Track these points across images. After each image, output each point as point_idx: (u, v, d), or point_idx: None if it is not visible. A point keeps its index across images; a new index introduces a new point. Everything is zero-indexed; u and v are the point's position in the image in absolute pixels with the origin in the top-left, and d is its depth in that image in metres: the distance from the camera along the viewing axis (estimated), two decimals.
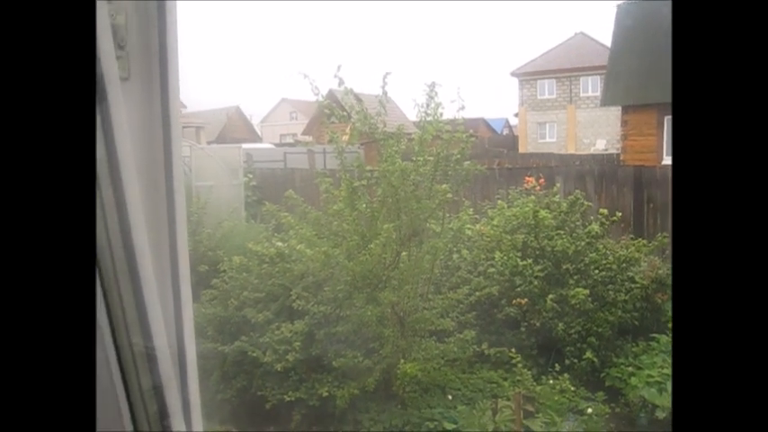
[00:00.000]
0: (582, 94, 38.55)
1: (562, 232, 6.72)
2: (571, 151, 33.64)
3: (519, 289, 6.30)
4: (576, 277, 6.42)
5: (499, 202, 7.67)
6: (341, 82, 5.41)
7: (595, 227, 6.75)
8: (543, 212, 6.83)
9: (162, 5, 0.88)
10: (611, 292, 6.39)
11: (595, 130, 37.04)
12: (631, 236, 7.77)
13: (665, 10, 14.21)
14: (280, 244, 5.87)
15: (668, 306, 6.70)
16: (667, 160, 14.50)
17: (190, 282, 1.07)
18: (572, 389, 5.44)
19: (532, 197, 7.46)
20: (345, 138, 5.86)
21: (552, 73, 38.94)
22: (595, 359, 5.93)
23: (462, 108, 5.56)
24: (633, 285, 6.55)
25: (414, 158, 5.45)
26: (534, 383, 5.33)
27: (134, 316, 0.95)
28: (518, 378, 5.38)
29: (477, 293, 5.92)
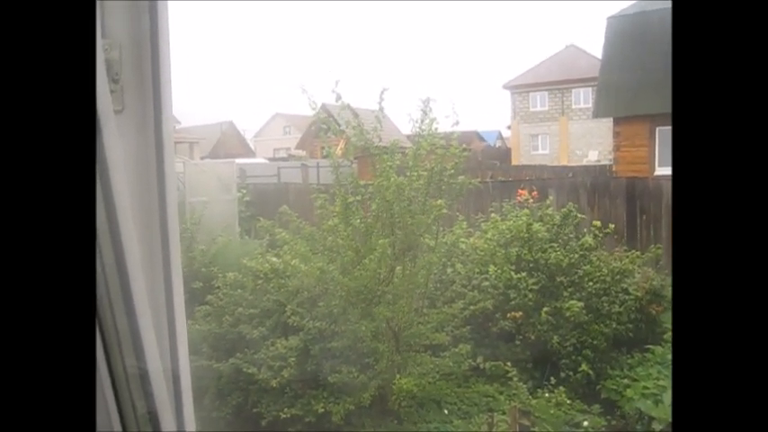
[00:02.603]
0: (574, 106, 38.75)
1: (556, 245, 6.75)
2: (564, 163, 33.73)
3: (513, 302, 6.30)
4: (570, 290, 6.43)
5: (492, 215, 7.68)
6: (338, 97, 5.45)
7: (589, 239, 6.77)
8: (537, 225, 6.86)
9: (155, 37, 0.90)
10: (605, 304, 6.41)
11: (588, 141, 37.20)
12: (625, 247, 7.80)
13: (656, 23, 14.33)
14: (274, 260, 5.86)
15: (663, 317, 6.72)
16: (659, 171, 14.57)
17: (183, 301, 1.07)
18: (568, 402, 5.43)
19: (526, 210, 7.47)
20: (340, 152, 5.89)
21: (544, 85, 39.14)
22: (591, 371, 5.93)
23: (457, 123, 5.61)
24: (627, 297, 6.57)
25: (408, 173, 5.47)
26: (530, 397, 5.32)
27: (128, 337, 0.95)
28: (514, 392, 5.37)
29: (472, 307, 5.91)
